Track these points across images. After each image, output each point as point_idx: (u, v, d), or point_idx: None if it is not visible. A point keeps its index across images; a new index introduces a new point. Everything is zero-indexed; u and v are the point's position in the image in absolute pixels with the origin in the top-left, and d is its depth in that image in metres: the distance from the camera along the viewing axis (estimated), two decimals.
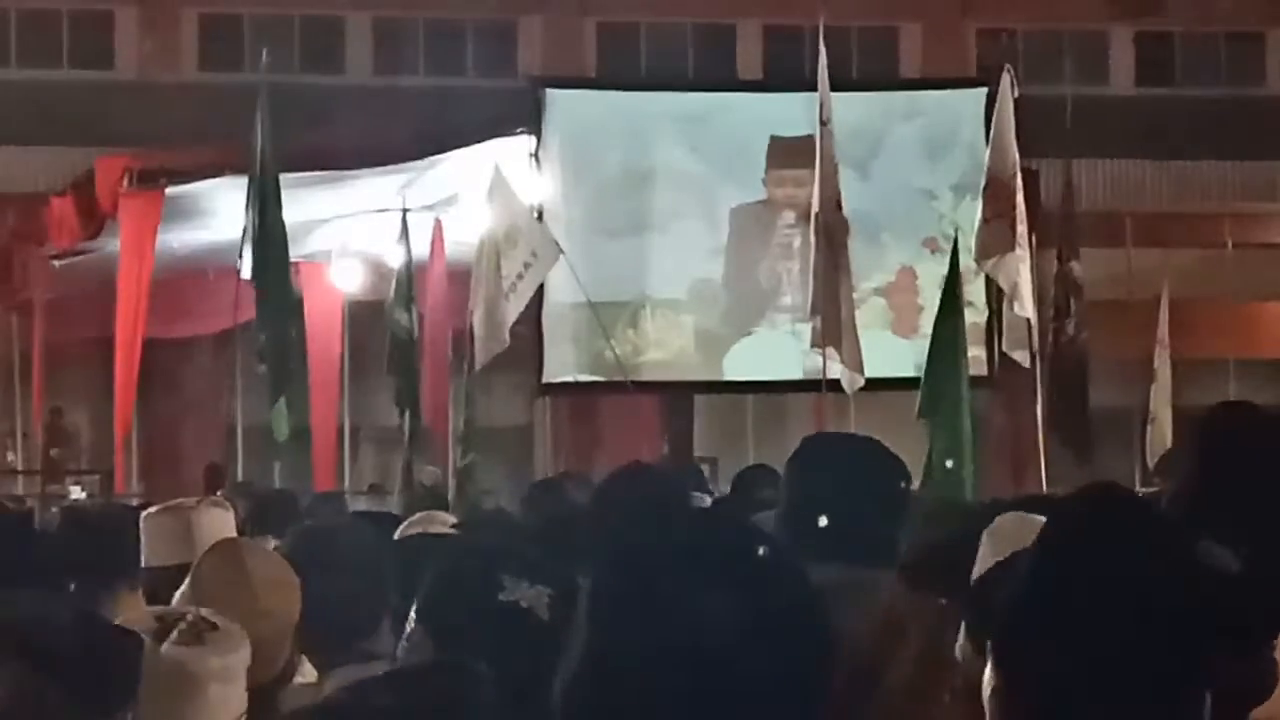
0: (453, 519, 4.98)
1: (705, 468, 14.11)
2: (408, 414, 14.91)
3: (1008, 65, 13.49)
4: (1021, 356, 13.44)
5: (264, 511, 6.67)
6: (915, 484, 9.53)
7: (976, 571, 2.89)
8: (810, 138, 13.98)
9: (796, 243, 19.16)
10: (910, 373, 17.12)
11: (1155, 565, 1.81)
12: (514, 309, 14.11)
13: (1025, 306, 12.88)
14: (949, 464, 9.76)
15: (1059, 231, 14.60)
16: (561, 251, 14.42)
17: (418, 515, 5.00)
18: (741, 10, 21.91)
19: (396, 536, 4.91)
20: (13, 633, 2.23)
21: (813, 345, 13.08)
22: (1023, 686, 1.82)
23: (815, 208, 13.28)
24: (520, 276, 13.99)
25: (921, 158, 20.07)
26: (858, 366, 13.11)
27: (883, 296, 19.94)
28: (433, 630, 2.40)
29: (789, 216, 19.53)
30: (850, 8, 19.61)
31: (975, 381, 13.75)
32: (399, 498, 14.12)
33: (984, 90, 17.94)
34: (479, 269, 13.90)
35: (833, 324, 12.71)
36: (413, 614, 2.46)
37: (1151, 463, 15.87)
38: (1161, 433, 15.93)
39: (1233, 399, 16.68)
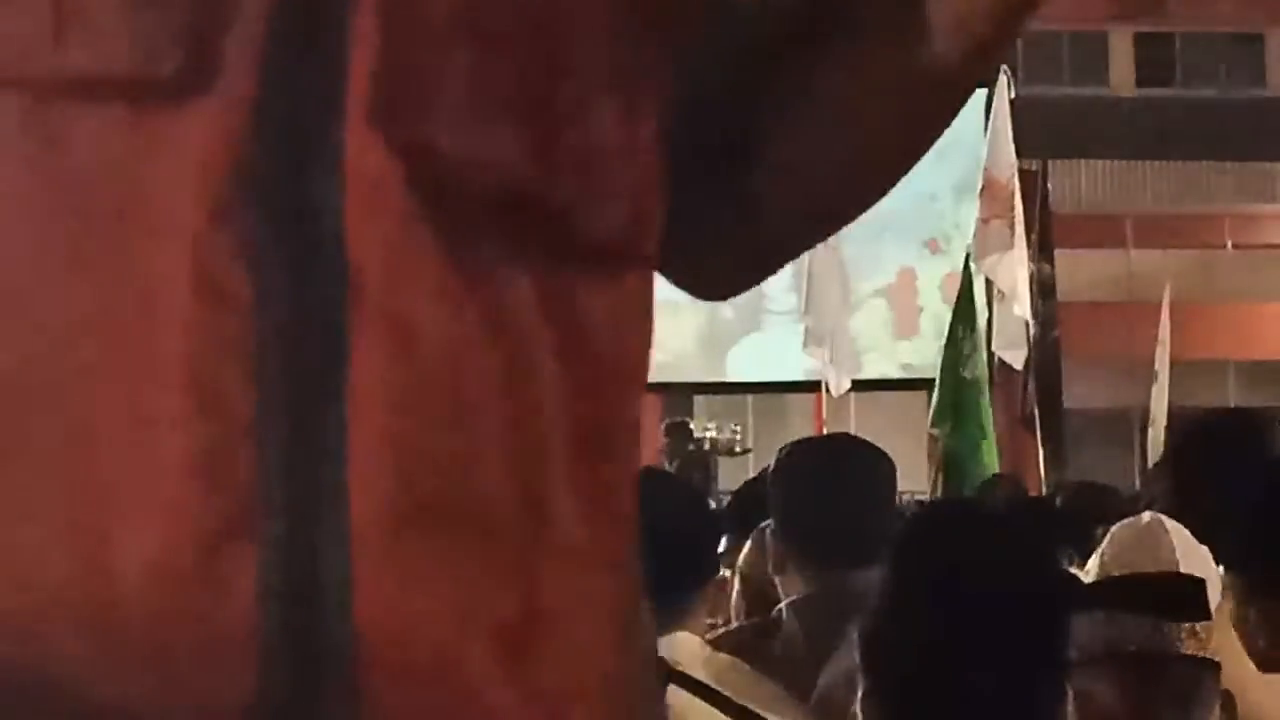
0: None
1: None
2: None
3: (1005, 66, 13.49)
4: (1013, 357, 13.45)
5: None
6: (911, 485, 9.54)
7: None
8: None
9: None
10: (910, 374, 17.14)
11: (995, 567, 2.00)
12: None
13: (1024, 307, 12.89)
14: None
15: (1036, 233, 14.61)
16: None
17: None
18: None
19: None
20: None
21: (805, 346, 13.08)
22: (886, 689, 1.98)
23: None
24: None
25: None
26: (847, 369, 13.11)
27: (883, 297, 19.95)
28: None
29: None
30: None
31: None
32: None
33: (984, 91, 17.93)
34: None
35: (824, 325, 12.73)
36: None
37: (1152, 463, 15.87)
38: (1161, 433, 15.94)
39: (1233, 400, 16.71)
